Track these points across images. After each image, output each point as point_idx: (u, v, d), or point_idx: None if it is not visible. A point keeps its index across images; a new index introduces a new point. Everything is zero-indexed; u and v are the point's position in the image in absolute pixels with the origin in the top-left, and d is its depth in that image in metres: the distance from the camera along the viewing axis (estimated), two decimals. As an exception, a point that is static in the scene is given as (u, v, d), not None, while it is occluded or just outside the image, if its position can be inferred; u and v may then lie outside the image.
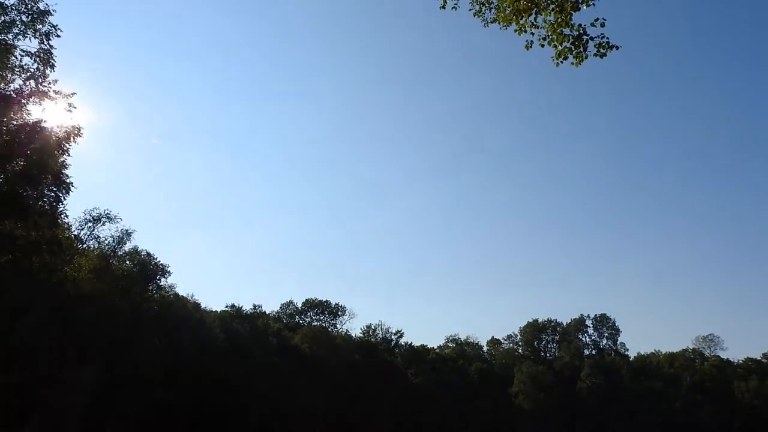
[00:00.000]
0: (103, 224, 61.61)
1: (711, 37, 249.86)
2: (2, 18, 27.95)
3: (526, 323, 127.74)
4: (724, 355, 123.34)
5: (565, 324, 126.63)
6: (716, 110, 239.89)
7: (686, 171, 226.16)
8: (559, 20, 12.40)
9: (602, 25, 12.05)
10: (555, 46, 12.53)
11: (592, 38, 12.25)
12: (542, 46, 12.62)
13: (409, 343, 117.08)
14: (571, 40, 12.39)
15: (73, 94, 30.08)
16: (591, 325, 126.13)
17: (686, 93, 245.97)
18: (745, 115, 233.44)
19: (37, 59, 28.82)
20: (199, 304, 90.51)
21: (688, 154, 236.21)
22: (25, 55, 28.68)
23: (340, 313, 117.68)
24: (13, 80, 29.03)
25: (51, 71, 29.17)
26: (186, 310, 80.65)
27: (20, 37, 28.50)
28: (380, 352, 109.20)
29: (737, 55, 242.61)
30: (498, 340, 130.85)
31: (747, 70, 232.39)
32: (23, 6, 28.35)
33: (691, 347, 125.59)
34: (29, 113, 30.26)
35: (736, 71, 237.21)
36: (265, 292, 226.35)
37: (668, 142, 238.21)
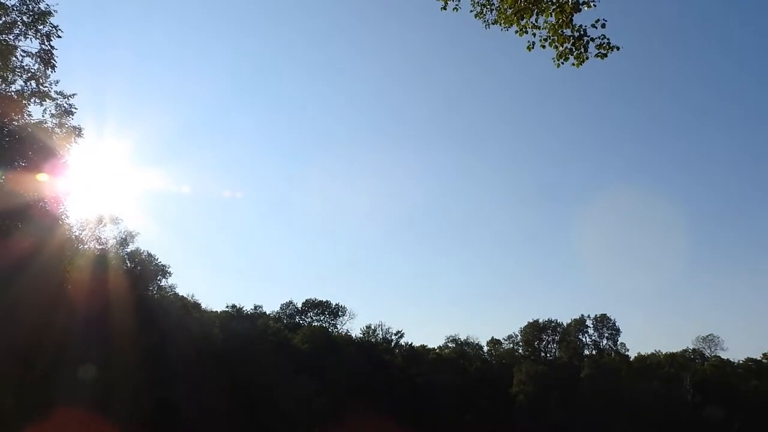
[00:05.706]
0: (105, 225, 61.74)
1: (713, 37, 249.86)
2: (3, 19, 28.05)
3: (526, 323, 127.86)
4: (724, 355, 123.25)
5: (565, 324, 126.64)
6: (718, 110, 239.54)
7: (686, 170, 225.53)
8: (560, 21, 12.45)
9: (603, 26, 12.12)
10: (556, 47, 12.58)
11: (592, 39, 12.32)
12: (543, 47, 12.67)
13: (409, 343, 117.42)
14: (572, 41, 12.46)
15: (74, 94, 30.25)
16: (591, 325, 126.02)
17: (687, 92, 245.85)
18: (748, 115, 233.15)
19: (38, 60, 28.95)
20: (199, 304, 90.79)
21: (688, 153, 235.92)
22: (26, 56, 28.82)
23: (340, 313, 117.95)
24: (14, 81, 29.19)
25: (52, 72, 29.34)
26: (186, 310, 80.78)
27: (21, 37, 28.63)
28: (380, 352, 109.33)
29: (739, 56, 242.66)
30: (498, 340, 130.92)
31: (752, 71, 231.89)
32: (24, 7, 28.46)
33: (691, 347, 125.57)
34: (30, 114, 30.40)
35: (738, 71, 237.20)
36: (265, 292, 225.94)
37: (668, 142, 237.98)
